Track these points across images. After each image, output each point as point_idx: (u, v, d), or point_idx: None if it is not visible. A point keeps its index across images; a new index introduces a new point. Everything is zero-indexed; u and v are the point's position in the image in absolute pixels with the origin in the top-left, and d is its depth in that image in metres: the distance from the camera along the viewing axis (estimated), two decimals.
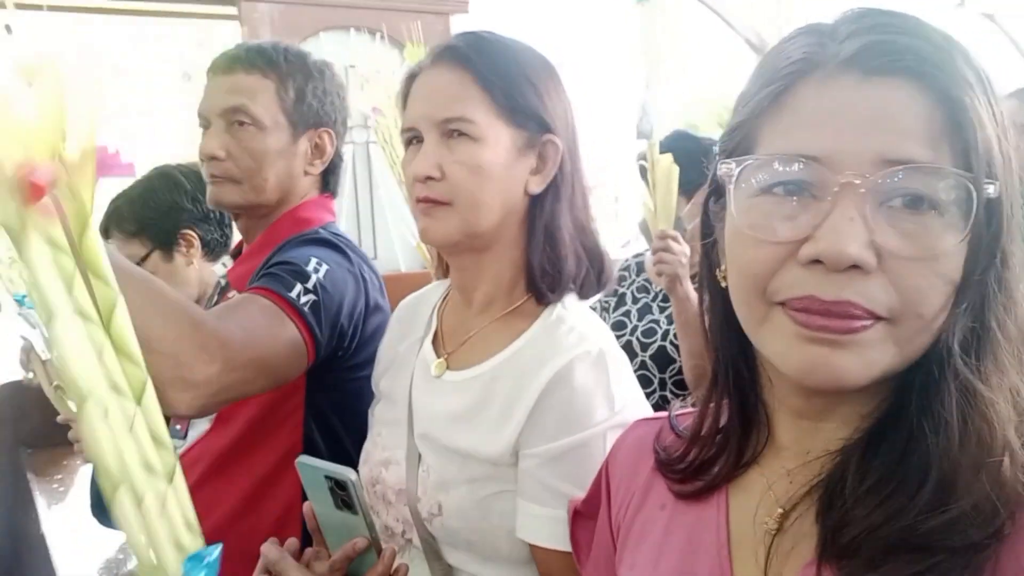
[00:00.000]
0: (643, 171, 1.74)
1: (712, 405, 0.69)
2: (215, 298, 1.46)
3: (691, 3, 3.86)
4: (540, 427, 0.89)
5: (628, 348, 1.90)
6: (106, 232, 1.78)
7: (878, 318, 0.52)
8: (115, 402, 0.46)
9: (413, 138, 0.96)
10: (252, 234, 1.33)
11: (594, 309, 1.94)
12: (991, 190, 0.51)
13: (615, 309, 2.01)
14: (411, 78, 0.98)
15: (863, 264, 0.51)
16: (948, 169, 0.51)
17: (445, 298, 1.10)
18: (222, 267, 1.83)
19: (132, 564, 1.71)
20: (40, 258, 0.43)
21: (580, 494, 0.84)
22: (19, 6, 0.44)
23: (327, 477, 0.86)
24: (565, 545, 0.86)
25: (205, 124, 1.28)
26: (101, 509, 1.33)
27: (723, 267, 0.62)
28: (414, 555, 0.99)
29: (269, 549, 0.87)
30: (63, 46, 0.43)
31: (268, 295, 1.08)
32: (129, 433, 0.46)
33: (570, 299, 0.99)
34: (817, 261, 0.52)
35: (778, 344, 0.55)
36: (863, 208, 0.51)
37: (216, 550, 0.51)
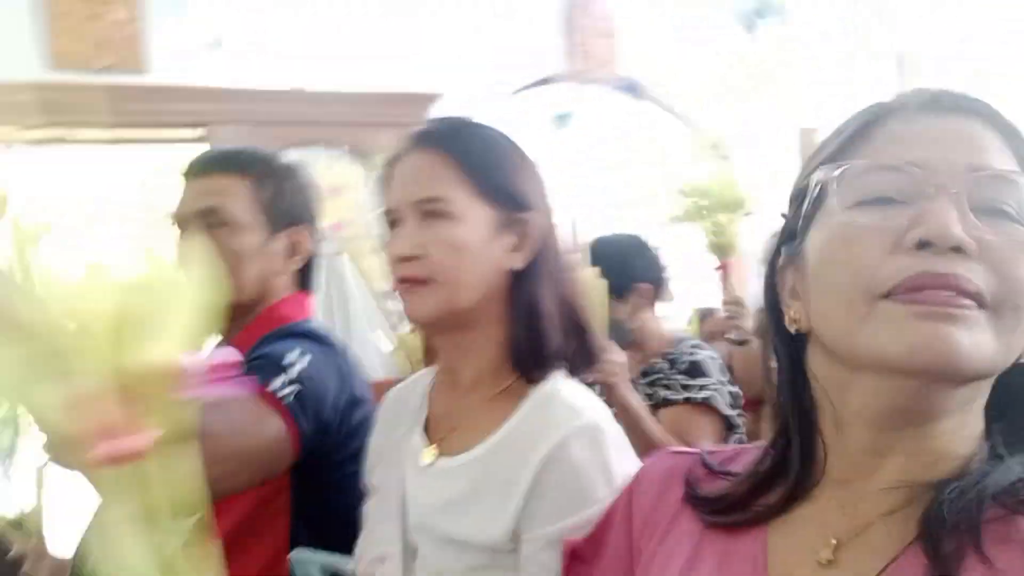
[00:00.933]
0: None
1: (775, 449, 0.68)
2: None
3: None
4: (539, 510, 0.87)
5: None
6: None
7: (981, 305, 0.54)
8: None
9: (393, 221, 0.98)
10: (231, 334, 1.32)
11: None
12: None
13: None
14: (390, 164, 1.01)
15: (965, 245, 0.53)
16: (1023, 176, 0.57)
17: (433, 383, 1.09)
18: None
19: None
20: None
21: None
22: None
23: (324, 570, 0.84)
24: None
25: (181, 227, 1.28)
26: None
27: (792, 312, 0.64)
28: None
29: None
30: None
31: (248, 388, 1.06)
32: None
33: (560, 376, 0.98)
34: (924, 245, 0.54)
35: (887, 333, 0.55)
36: (960, 205, 0.55)
37: None
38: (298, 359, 1.13)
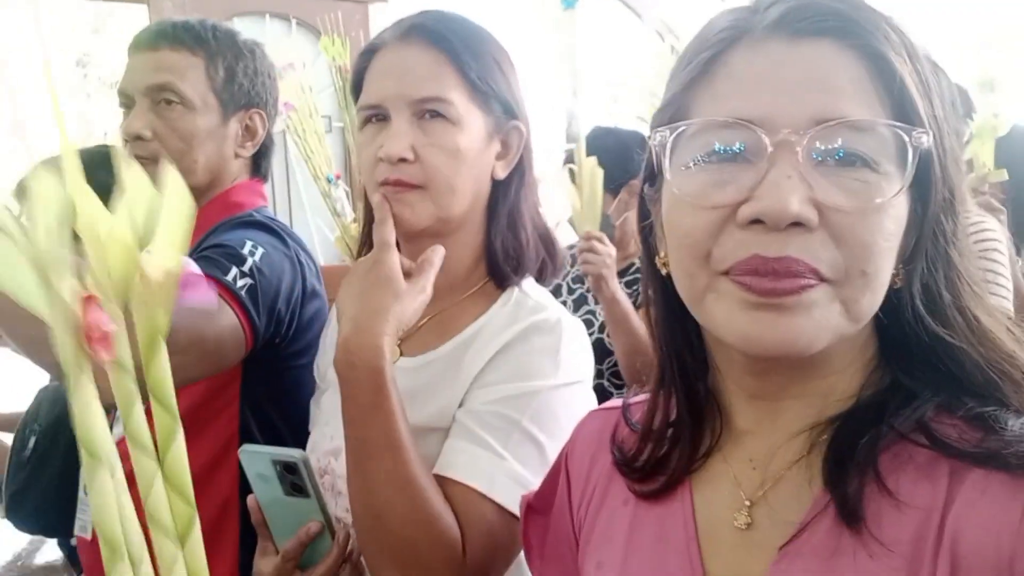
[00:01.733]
0: (572, 174, 1.81)
1: (660, 399, 0.67)
2: None
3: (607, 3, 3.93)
4: (484, 378, 0.90)
5: None
6: None
7: (821, 279, 0.52)
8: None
9: (374, 116, 0.93)
10: None
11: None
12: (924, 140, 0.52)
13: None
14: (369, 53, 0.96)
15: (804, 220, 0.51)
16: (879, 121, 0.52)
17: None
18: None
19: (41, 557, 1.64)
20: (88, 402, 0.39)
21: (501, 449, 0.84)
22: None
23: (274, 462, 0.84)
24: (477, 483, 0.84)
25: (127, 103, 1.22)
26: (14, 507, 1.27)
27: (663, 253, 0.62)
28: None
29: None
30: None
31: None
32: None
33: (528, 282, 1.00)
34: (758, 221, 0.52)
35: (722, 313, 0.54)
36: (800, 166, 0.51)
37: None
38: (252, 251, 1.10)
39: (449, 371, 0.94)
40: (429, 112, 0.90)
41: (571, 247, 2.09)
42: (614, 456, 0.69)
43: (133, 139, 1.20)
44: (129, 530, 0.41)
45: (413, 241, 0.98)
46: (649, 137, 0.60)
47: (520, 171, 0.98)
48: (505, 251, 0.97)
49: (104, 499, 0.40)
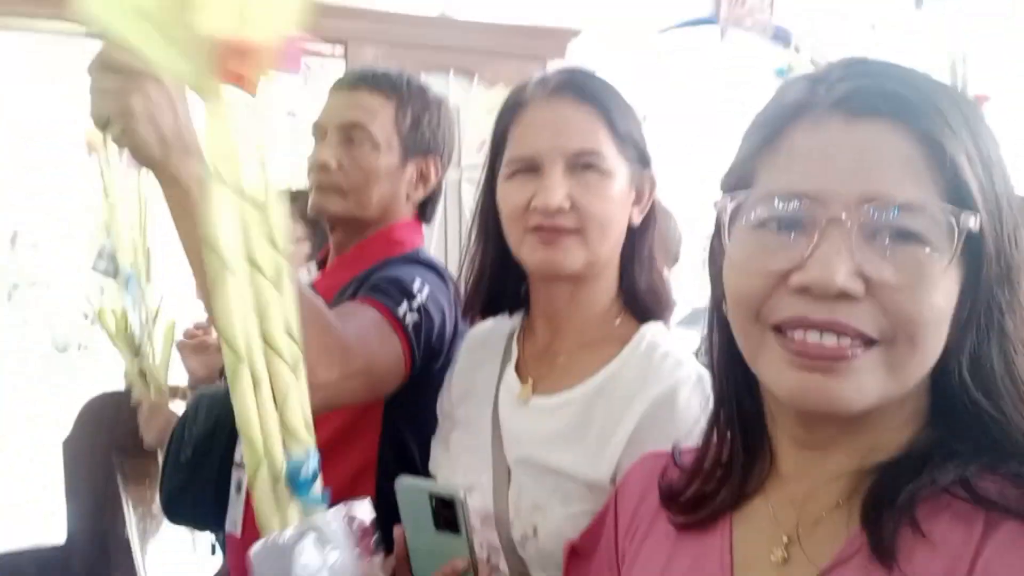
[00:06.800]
0: None
1: (715, 439, 0.70)
2: None
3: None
4: (642, 450, 0.89)
5: None
6: None
7: (869, 342, 0.55)
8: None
9: (524, 168, 0.98)
10: (344, 247, 1.38)
11: None
12: (971, 221, 0.54)
13: None
14: (516, 108, 1.01)
15: (850, 291, 0.54)
16: (926, 202, 0.54)
17: (523, 327, 1.12)
18: (306, 273, 1.90)
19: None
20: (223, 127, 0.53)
21: None
22: None
23: (432, 495, 0.86)
24: None
25: (320, 135, 1.33)
26: (172, 506, 1.39)
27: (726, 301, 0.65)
28: None
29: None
30: None
31: (377, 308, 1.11)
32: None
33: (658, 326, 1.02)
34: (806, 290, 0.55)
35: (773, 370, 0.58)
36: (849, 242, 0.54)
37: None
38: (421, 288, 1.17)
39: (589, 419, 0.96)
40: (582, 164, 0.95)
41: None
42: (660, 491, 0.73)
43: (319, 168, 1.31)
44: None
45: (553, 285, 1.02)
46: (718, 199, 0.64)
47: (652, 217, 1.03)
48: (645, 288, 1.02)
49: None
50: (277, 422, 0.63)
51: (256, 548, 0.63)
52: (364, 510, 0.71)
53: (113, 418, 2.67)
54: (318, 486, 0.68)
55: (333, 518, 0.68)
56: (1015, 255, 0.57)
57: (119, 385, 2.53)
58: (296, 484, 0.65)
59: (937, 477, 0.55)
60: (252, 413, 0.61)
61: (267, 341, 0.63)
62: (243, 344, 0.60)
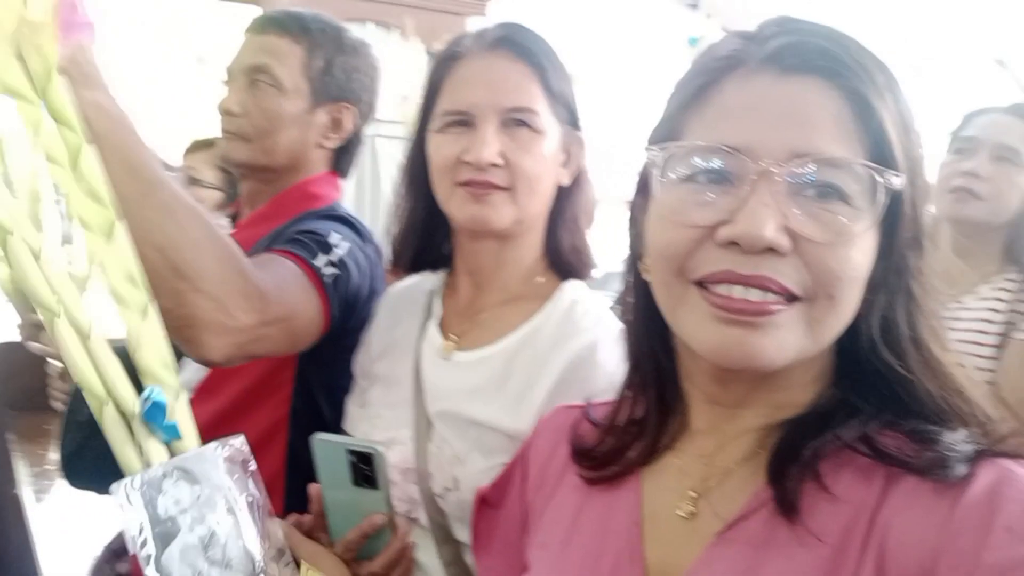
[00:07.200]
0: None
1: (630, 396, 0.72)
2: None
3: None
4: (562, 402, 0.89)
5: None
6: None
7: (792, 297, 0.56)
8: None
9: (456, 122, 0.97)
10: (257, 199, 1.33)
11: None
12: (895, 181, 0.55)
13: None
14: (451, 61, 1.00)
15: (777, 246, 0.54)
16: (854, 160, 0.55)
17: (445, 284, 1.11)
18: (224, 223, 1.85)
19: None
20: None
21: None
22: None
23: (349, 451, 0.85)
24: None
25: (230, 80, 1.29)
26: (71, 467, 1.34)
27: (646, 259, 0.65)
28: (419, 536, 0.98)
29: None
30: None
31: (295, 260, 1.07)
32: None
33: (579, 284, 1.04)
34: (734, 244, 0.55)
35: (693, 324, 0.59)
36: (778, 196, 0.55)
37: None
38: (339, 243, 1.14)
39: (512, 372, 0.97)
40: (516, 121, 0.95)
41: None
42: (572, 447, 0.73)
43: (225, 114, 1.27)
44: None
45: (480, 241, 1.01)
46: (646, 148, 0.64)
47: (580, 179, 1.03)
48: (570, 248, 1.03)
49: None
50: (117, 365, 0.64)
51: (115, 487, 0.61)
52: (239, 443, 0.70)
53: (6, 372, 2.55)
54: (175, 419, 0.66)
55: (204, 454, 0.67)
56: (924, 220, 0.59)
57: (10, 337, 2.40)
58: (147, 417, 0.64)
59: (840, 433, 0.57)
60: (82, 360, 0.62)
61: (111, 292, 0.65)
62: (52, 300, 0.61)
